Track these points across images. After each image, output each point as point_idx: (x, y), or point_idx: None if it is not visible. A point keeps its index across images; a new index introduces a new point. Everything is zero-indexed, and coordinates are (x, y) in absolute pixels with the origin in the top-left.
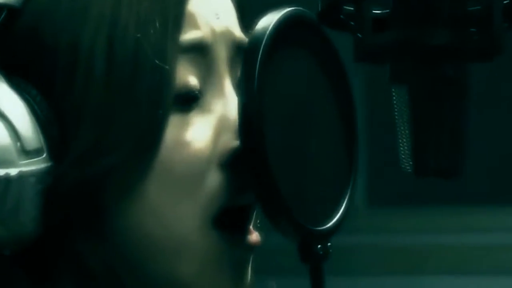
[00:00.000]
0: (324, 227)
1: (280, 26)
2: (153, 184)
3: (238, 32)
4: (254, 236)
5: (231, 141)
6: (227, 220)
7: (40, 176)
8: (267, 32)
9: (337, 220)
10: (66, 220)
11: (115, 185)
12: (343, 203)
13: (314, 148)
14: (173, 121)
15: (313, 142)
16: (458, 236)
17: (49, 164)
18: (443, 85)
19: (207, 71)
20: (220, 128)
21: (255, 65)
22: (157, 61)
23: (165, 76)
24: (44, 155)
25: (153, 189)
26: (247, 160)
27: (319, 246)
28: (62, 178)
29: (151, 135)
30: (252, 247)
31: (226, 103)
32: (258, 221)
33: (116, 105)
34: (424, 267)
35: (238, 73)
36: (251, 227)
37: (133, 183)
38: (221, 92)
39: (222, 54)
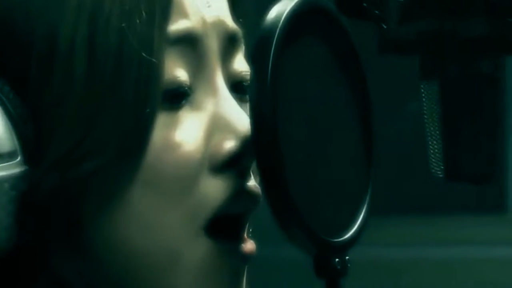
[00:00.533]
0: (342, 238)
1: (294, 15)
2: (139, 190)
3: (230, 22)
4: (249, 245)
5: (224, 142)
6: (220, 228)
7: (13, 181)
8: (280, 22)
9: (355, 231)
10: (42, 230)
11: (97, 192)
12: (361, 212)
13: (329, 151)
14: (161, 120)
15: (329, 144)
16: (439, 249)
17: (23, 168)
18: (478, 81)
19: (197, 65)
20: (212, 127)
21: (267, 59)
22: (143, 54)
23: (153, 70)
24: (18, 158)
25: (139, 195)
26: (259, 164)
27: (336, 259)
28: (39, 184)
29: (137, 136)
30: (247, 256)
31: (218, 100)
32: (251, 229)
33: (98, 103)
34: (406, 282)
35: (231, 66)
36: (245, 235)
37: (117, 190)
38: (212, 87)
39: (213, 46)
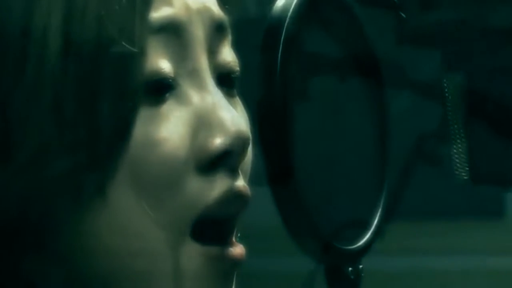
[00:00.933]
0: (355, 246)
1: (304, 3)
2: (118, 192)
3: (216, 9)
4: (238, 249)
5: (211, 139)
6: (207, 232)
7: None
8: (290, 11)
9: (368, 238)
10: (12, 235)
11: (72, 195)
12: (376, 216)
13: (341, 152)
14: (143, 115)
15: (341, 145)
16: (434, 258)
17: None
18: (507, 74)
19: (181, 55)
20: (198, 123)
21: (277, 50)
22: (123, 43)
23: (134, 60)
24: None
25: (119, 197)
26: (267, 165)
27: (350, 268)
28: (7, 187)
29: (117, 133)
30: (236, 261)
31: (204, 93)
32: (239, 234)
33: (75, 97)
34: None
35: (218, 57)
36: (234, 239)
37: (95, 191)
38: (198, 80)
39: (198, 35)
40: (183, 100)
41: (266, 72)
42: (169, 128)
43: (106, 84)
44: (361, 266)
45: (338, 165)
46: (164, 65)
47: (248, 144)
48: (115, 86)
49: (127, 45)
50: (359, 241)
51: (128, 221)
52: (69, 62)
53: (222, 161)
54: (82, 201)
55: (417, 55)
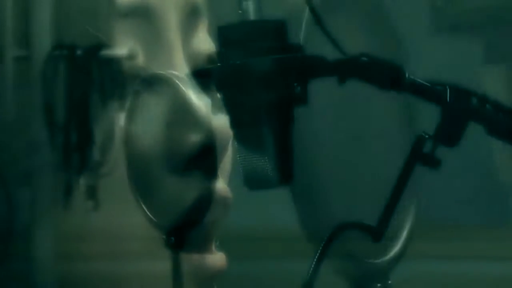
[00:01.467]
0: (383, 259)
1: None
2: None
3: None
4: (218, 257)
5: (187, 136)
6: (185, 238)
7: None
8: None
9: (398, 251)
10: None
11: (40, 197)
12: (403, 227)
13: (367, 160)
14: (113, 110)
15: (366, 152)
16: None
17: None
18: None
19: (154, 43)
20: (173, 119)
21: (293, 52)
22: (89, 29)
23: (100, 48)
24: None
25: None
26: (279, 167)
27: (379, 285)
28: None
29: (85, 130)
30: (215, 270)
31: (179, 86)
32: (217, 242)
33: (39, 93)
34: None
35: (193, 45)
36: (213, 246)
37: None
38: (172, 71)
39: (171, 20)
40: (155, 94)
41: (283, 73)
42: (142, 125)
43: (72, 76)
44: (390, 282)
45: (363, 171)
46: (135, 54)
47: (228, 141)
48: (80, 78)
49: (93, 32)
50: (387, 253)
51: (101, 226)
52: (32, 55)
53: (200, 161)
54: (53, 204)
55: (454, 46)
